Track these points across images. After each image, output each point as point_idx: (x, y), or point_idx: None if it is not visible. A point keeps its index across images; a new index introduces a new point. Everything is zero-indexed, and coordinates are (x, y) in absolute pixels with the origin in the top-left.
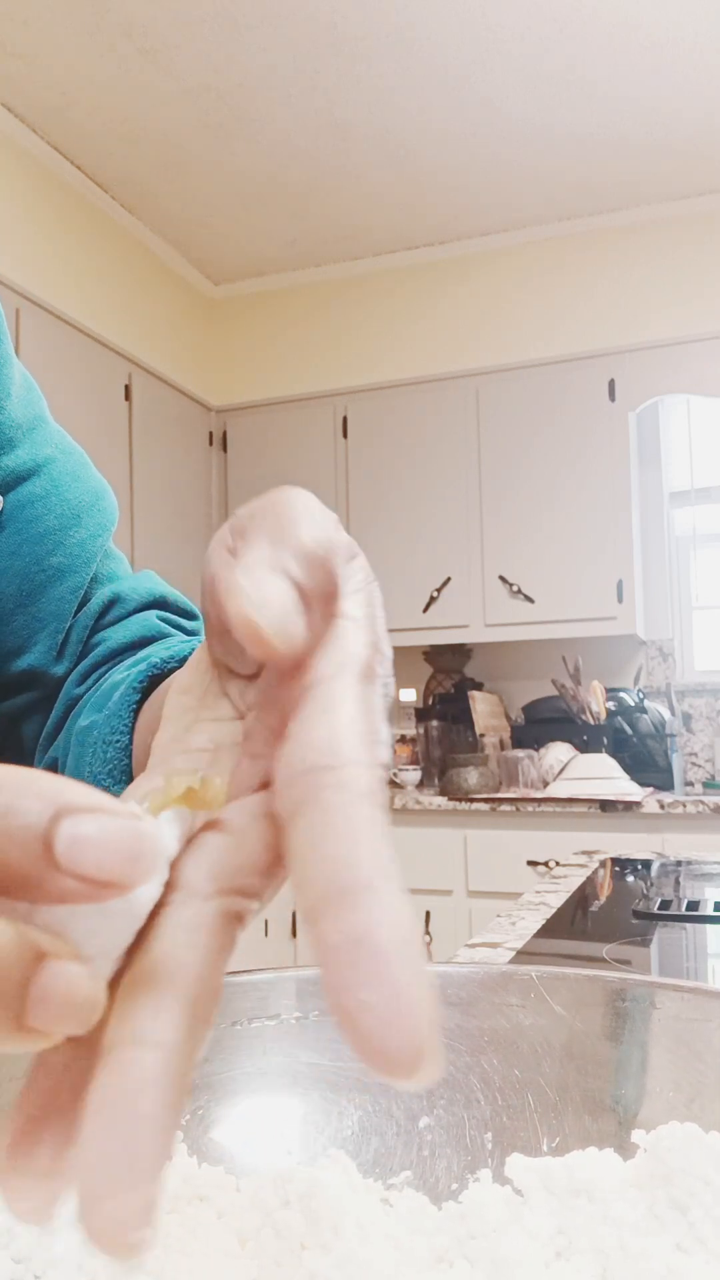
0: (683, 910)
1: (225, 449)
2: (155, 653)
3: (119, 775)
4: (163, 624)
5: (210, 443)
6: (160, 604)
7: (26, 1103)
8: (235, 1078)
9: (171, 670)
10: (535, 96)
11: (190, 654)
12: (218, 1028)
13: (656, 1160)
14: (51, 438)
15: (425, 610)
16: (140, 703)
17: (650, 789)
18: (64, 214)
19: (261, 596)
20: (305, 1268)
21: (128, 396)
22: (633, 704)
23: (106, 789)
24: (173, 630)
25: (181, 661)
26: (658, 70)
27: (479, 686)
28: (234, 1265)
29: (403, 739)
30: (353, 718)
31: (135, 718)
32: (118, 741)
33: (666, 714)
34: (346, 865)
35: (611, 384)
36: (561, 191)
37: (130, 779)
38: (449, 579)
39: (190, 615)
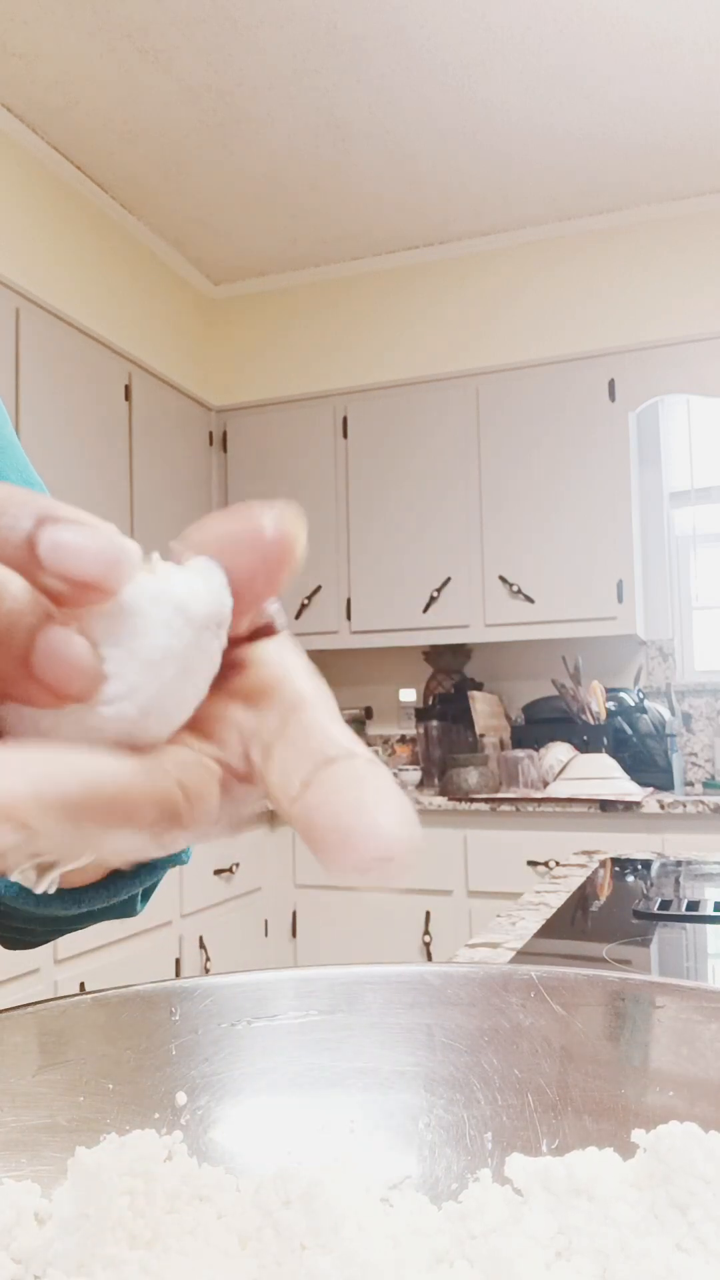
0: (683, 910)
1: (225, 449)
2: None
3: None
4: None
5: (210, 443)
6: None
7: None
8: (235, 1078)
9: None
10: (535, 96)
11: None
12: (218, 1027)
13: (657, 1160)
14: (16, 464)
15: (425, 610)
16: None
17: (650, 789)
18: (64, 214)
19: None
20: (305, 1268)
21: (128, 396)
22: (633, 704)
23: None
24: None
25: None
26: (658, 70)
27: (479, 686)
28: (234, 1265)
29: (403, 739)
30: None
31: None
32: None
33: (666, 714)
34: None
35: (611, 384)
36: (561, 191)
37: None
38: (449, 579)
39: None
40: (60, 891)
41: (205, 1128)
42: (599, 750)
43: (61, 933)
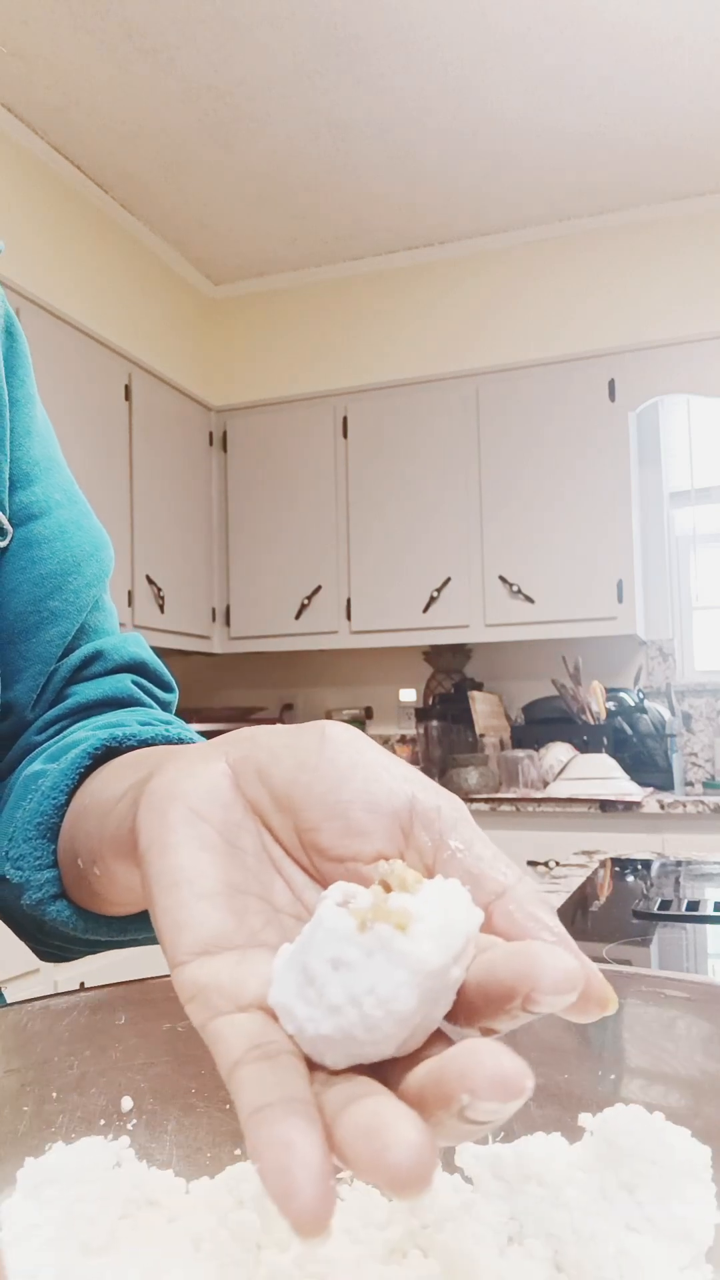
0: (683, 910)
1: (225, 449)
2: (123, 722)
3: (45, 831)
4: (135, 689)
5: (210, 443)
6: (139, 668)
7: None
8: (180, 1079)
9: (130, 748)
10: (535, 96)
11: (151, 738)
12: (161, 1029)
13: (605, 1143)
14: (62, 483)
15: (425, 610)
16: (90, 768)
17: (650, 789)
18: (64, 214)
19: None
20: (264, 1267)
21: (128, 396)
22: (633, 704)
23: (30, 839)
24: (144, 697)
25: (144, 743)
26: (658, 70)
27: (479, 686)
28: (191, 1268)
29: (403, 739)
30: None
31: (79, 780)
32: (55, 800)
33: (666, 714)
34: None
35: (611, 384)
36: (561, 191)
37: (55, 839)
38: (449, 579)
39: (165, 686)
40: (108, 920)
41: (153, 1131)
42: (599, 750)
43: (97, 952)
